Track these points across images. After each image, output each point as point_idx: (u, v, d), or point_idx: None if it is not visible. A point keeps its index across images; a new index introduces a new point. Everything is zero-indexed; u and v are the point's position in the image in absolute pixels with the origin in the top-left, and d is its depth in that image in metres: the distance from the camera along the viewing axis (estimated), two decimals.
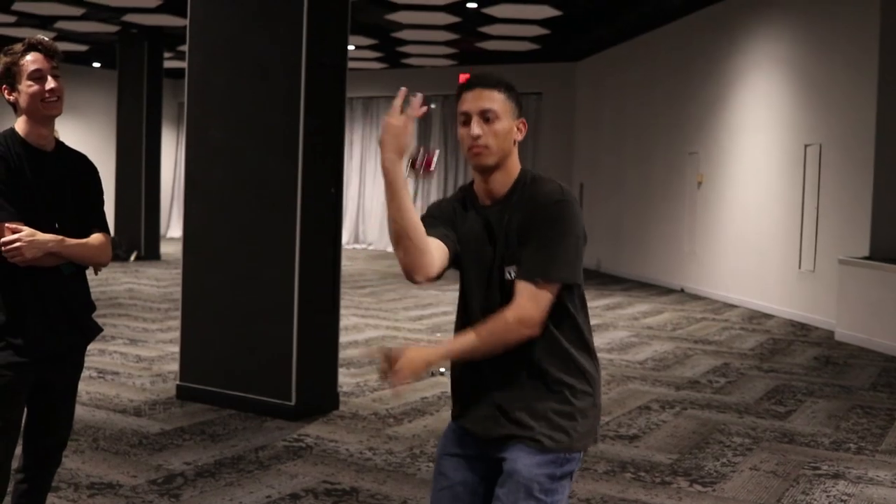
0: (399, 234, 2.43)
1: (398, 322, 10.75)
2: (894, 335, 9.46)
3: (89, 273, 3.38)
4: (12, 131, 3.19)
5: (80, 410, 5.66)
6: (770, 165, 12.46)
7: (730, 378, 8.03)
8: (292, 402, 6.16)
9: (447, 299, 12.59)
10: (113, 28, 16.93)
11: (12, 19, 16.13)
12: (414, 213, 2.45)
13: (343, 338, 8.01)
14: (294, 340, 6.17)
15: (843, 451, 5.83)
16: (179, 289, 6.87)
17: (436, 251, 2.52)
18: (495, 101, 2.53)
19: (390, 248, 21.32)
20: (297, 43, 6.16)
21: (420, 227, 2.45)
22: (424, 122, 21.50)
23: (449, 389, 2.80)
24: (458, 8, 14.21)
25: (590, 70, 18.86)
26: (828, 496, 4.96)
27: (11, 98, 3.16)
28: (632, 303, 13.27)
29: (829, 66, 11.25)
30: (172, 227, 23.49)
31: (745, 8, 13.27)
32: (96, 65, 21.63)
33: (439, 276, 2.55)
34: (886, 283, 9.62)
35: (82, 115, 20.98)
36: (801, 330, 10.98)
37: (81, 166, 3.33)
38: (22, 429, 3.28)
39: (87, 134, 20.69)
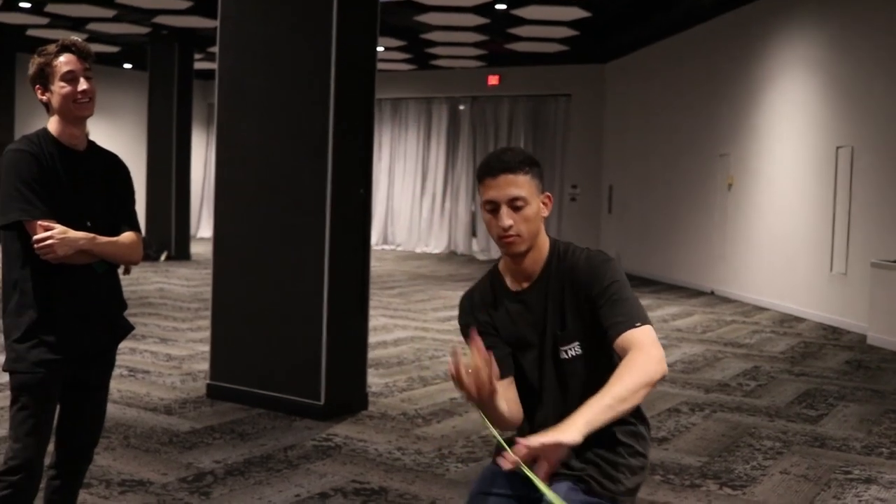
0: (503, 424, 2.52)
1: (427, 323, 10.76)
2: None
3: (120, 272, 3.40)
4: (45, 131, 3.22)
5: (111, 408, 5.69)
6: (801, 167, 12.35)
7: (760, 381, 7.96)
8: (321, 402, 6.18)
9: None
10: (144, 30, 17.08)
11: (45, 21, 16.31)
12: (503, 406, 2.47)
13: (372, 338, 8.03)
14: (323, 340, 6.19)
15: (875, 456, 5.77)
16: (209, 288, 6.91)
17: (510, 390, 2.54)
18: (522, 186, 2.45)
19: (419, 249, 21.42)
20: (327, 44, 6.18)
21: (505, 407, 2.46)
22: (453, 126, 21.49)
23: None
24: (486, 9, 14.21)
25: (619, 71, 18.78)
26: (860, 501, 4.90)
27: (44, 98, 3.20)
28: (661, 305, 13.20)
29: (860, 68, 11.13)
30: (202, 227, 23.66)
31: (775, 10, 13.16)
32: (127, 66, 21.82)
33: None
34: None
35: (113, 116, 21.16)
36: (832, 333, 10.87)
37: (113, 165, 3.35)
38: (54, 426, 3.30)
39: (118, 135, 20.84)
